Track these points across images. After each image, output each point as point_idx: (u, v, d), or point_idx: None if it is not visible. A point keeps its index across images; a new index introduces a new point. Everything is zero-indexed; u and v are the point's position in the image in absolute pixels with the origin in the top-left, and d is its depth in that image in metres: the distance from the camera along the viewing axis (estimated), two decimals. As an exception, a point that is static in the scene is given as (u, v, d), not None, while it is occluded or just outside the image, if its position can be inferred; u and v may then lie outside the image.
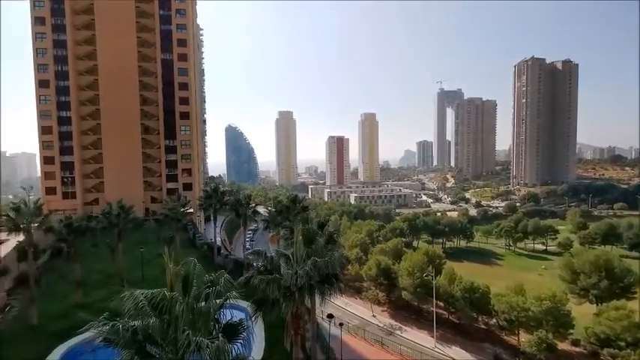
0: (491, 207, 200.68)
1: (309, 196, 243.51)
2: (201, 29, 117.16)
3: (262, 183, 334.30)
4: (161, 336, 11.13)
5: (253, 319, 16.90)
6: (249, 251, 22.95)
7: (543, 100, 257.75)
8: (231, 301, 12.66)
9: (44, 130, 70.86)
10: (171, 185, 76.34)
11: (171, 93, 75.50)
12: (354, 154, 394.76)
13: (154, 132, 76.27)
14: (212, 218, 56.73)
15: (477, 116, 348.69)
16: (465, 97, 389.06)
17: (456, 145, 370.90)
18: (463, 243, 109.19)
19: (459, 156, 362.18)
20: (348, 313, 48.22)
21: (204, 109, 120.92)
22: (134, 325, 10.77)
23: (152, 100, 75.62)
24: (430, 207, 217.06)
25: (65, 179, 71.94)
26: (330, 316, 30.90)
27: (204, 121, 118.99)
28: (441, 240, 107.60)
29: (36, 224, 34.91)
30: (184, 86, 76.18)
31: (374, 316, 47.90)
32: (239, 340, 12.21)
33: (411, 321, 46.12)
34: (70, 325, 28.52)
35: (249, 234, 75.14)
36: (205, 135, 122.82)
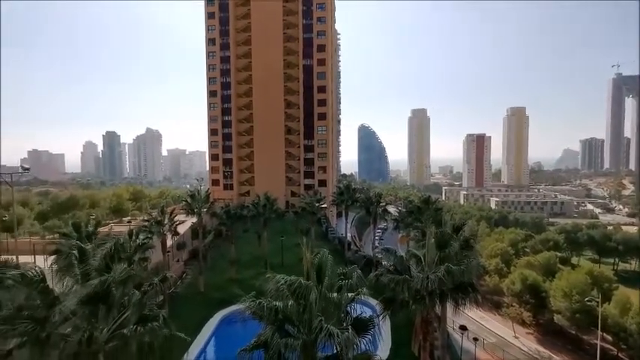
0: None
1: (443, 198, 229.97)
2: (339, 33, 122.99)
3: (393, 182, 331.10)
4: (297, 318, 12.14)
5: (381, 317, 16.86)
6: (380, 248, 22.96)
7: None
8: (361, 297, 12.92)
9: (212, 132, 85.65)
10: (308, 181, 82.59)
11: (310, 96, 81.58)
12: (496, 154, 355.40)
13: (294, 132, 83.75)
14: (343, 214, 59.08)
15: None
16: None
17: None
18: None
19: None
20: (483, 328, 43.82)
21: (340, 109, 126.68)
22: (276, 305, 12.04)
23: (294, 104, 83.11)
24: (598, 218, 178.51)
25: (226, 173, 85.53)
26: (463, 327, 28.58)
27: (339, 121, 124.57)
28: (611, 260, 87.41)
29: (205, 209, 42.60)
30: (322, 89, 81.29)
31: (516, 337, 42.25)
32: (367, 336, 12.37)
33: (565, 351, 38.93)
34: (227, 295, 33.89)
35: (379, 232, 75.32)
36: (340, 134, 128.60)
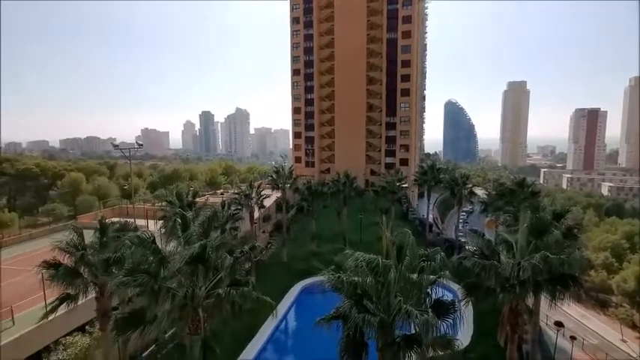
0: None
1: (541, 181, 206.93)
2: (426, 2, 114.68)
3: (481, 163, 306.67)
4: (376, 295, 12.22)
5: (463, 302, 16.11)
6: (467, 228, 21.76)
7: None
8: (443, 280, 12.46)
9: (295, 111, 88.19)
10: (389, 160, 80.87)
11: (394, 71, 78.49)
12: (612, 132, 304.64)
13: (376, 109, 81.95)
14: (425, 195, 56.94)
15: None
16: None
17: None
18: None
19: None
20: (583, 327, 39.27)
21: (425, 84, 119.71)
22: (355, 280, 12.25)
23: (376, 80, 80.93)
24: None
25: (307, 151, 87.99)
26: (559, 324, 25.98)
27: (424, 97, 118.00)
28: None
29: (288, 185, 44.67)
30: (407, 63, 77.53)
31: (624, 340, 37.05)
32: (448, 320, 11.95)
33: (690, 364, 33.05)
34: (307, 267, 35.57)
35: (463, 215, 71.37)
36: (424, 111, 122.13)
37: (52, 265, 16.04)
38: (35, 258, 20.81)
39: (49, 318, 16.13)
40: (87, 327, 21.06)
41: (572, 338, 26.69)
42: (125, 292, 14.20)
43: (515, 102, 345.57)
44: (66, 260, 16.36)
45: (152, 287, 12.05)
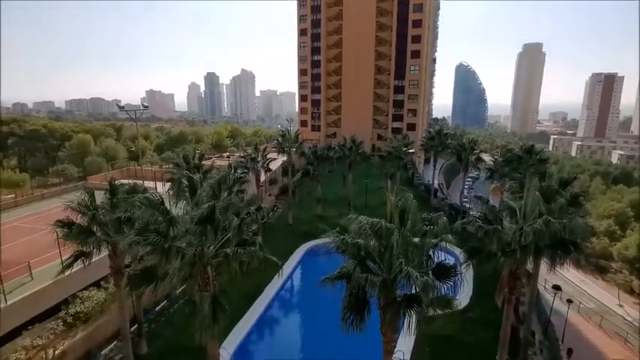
0: None
1: (549, 149, 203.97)
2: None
3: (490, 129, 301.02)
4: (378, 257, 12.57)
5: (464, 265, 16.49)
6: (472, 194, 21.88)
7: None
8: (445, 244, 12.72)
9: (301, 72, 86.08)
10: (396, 125, 79.80)
11: (404, 32, 75.48)
12: (628, 100, 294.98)
13: (385, 72, 79.74)
14: (432, 160, 56.65)
15: None
16: None
17: None
18: None
19: None
20: (581, 291, 40.31)
21: (436, 46, 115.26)
22: (358, 242, 12.55)
23: (386, 41, 78.06)
24: None
25: (314, 114, 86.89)
26: (557, 287, 26.66)
27: (434, 60, 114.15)
28: None
29: (294, 149, 44.60)
30: (418, 23, 74.31)
31: (620, 305, 38.12)
32: (448, 282, 12.32)
33: (684, 328, 34.08)
34: (312, 229, 36.38)
35: (469, 181, 71.38)
36: (434, 75, 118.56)
37: (66, 224, 16.55)
38: (48, 217, 21.46)
39: (66, 274, 16.88)
40: (102, 283, 22.07)
41: (569, 301, 27.46)
42: (136, 251, 14.71)
43: (530, 65, 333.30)
44: (79, 220, 16.86)
45: (162, 246, 12.46)
